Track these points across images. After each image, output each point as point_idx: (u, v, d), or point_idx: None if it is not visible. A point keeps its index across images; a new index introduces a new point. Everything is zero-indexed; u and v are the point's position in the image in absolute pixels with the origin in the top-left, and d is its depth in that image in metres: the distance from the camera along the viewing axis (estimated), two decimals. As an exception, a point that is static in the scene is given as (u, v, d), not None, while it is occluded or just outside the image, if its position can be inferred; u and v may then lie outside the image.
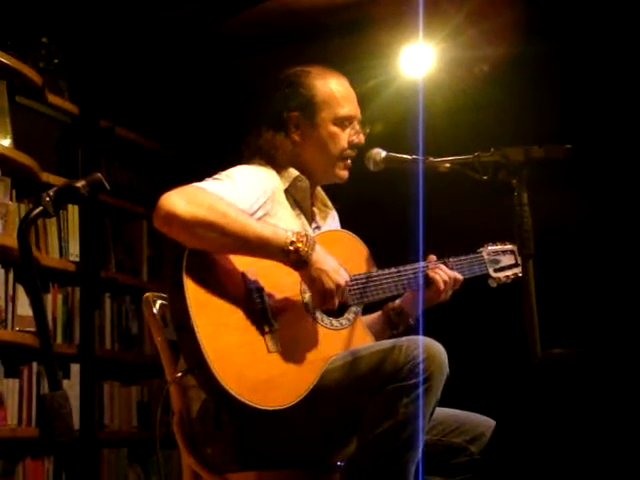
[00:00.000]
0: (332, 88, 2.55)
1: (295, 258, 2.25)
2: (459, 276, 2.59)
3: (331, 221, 2.65)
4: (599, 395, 1.71)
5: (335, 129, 2.53)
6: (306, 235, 2.28)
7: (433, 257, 2.61)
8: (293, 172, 2.50)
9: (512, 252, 2.78)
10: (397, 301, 2.62)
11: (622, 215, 4.19)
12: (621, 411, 1.70)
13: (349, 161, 2.57)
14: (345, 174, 2.57)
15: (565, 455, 1.70)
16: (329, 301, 2.30)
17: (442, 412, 2.40)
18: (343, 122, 2.54)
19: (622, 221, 4.18)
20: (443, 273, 2.55)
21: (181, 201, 2.21)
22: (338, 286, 2.29)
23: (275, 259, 2.27)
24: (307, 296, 2.35)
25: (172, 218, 2.20)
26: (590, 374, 1.73)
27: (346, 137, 2.54)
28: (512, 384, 1.82)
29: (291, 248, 2.24)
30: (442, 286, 2.54)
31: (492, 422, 2.42)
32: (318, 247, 2.28)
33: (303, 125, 2.53)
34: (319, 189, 2.64)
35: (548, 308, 2.23)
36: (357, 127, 2.56)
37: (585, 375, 1.73)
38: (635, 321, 3.91)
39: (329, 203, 2.66)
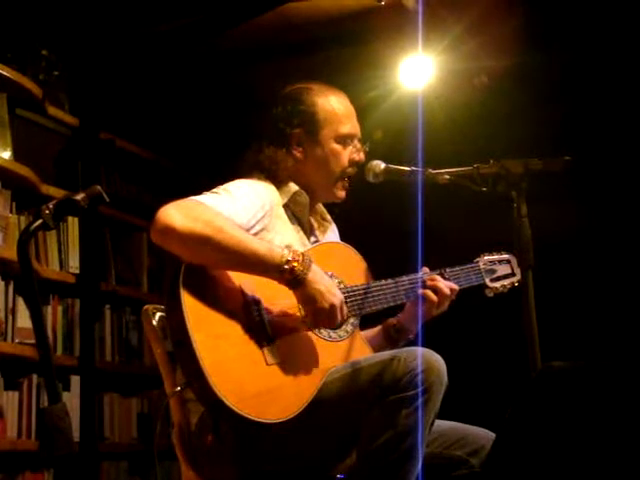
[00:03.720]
0: (333, 106, 2.55)
1: (290, 277, 2.24)
2: (454, 285, 2.58)
3: (331, 234, 2.65)
4: (599, 408, 1.71)
5: (337, 147, 2.53)
6: (302, 254, 2.27)
7: (426, 269, 2.59)
8: (293, 187, 2.50)
9: (508, 262, 2.78)
10: (396, 317, 2.60)
11: (621, 226, 4.19)
12: (621, 424, 1.70)
13: (347, 181, 2.56)
14: (343, 194, 2.58)
15: (565, 468, 1.70)
16: (323, 321, 2.29)
17: (443, 425, 2.39)
18: (345, 140, 2.54)
19: (621, 232, 4.18)
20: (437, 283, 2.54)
21: (178, 215, 2.20)
22: (332, 306, 2.27)
23: (270, 277, 2.26)
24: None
25: (169, 232, 2.20)
26: (590, 387, 1.73)
27: (347, 155, 2.54)
28: (512, 396, 1.81)
29: (286, 267, 2.23)
30: (434, 297, 2.52)
31: (492, 435, 2.41)
32: (314, 266, 2.27)
33: (305, 142, 2.53)
34: (319, 203, 2.64)
35: (548, 320, 2.23)
36: (358, 145, 2.57)
37: (585, 388, 1.73)
38: (635, 333, 3.91)
39: (328, 217, 2.66)
